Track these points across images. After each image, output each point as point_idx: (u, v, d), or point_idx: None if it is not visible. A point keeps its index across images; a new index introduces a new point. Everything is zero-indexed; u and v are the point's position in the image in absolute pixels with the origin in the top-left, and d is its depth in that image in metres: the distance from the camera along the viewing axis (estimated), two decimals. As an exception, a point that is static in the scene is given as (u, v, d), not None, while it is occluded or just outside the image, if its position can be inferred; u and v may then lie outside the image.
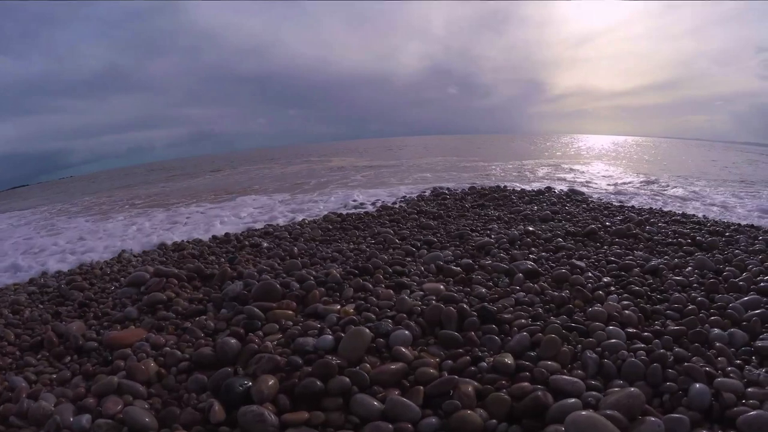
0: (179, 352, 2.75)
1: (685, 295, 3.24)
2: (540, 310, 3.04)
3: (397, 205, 7.55)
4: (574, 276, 3.57)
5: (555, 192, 8.61)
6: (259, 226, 6.95)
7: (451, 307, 2.93)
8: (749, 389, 2.14)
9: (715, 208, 7.69)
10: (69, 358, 2.91)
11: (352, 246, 4.99)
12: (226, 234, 6.25)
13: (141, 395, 2.40)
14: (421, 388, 2.23)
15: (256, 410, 2.08)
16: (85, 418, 2.18)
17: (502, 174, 14.57)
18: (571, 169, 15.91)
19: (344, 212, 7.20)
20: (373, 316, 2.98)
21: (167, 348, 2.82)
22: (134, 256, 5.60)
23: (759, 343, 2.54)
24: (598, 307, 2.98)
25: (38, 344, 3.09)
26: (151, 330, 3.15)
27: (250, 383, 2.28)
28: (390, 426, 2.03)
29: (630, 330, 2.71)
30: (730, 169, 16.58)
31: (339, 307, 3.19)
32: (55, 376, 2.68)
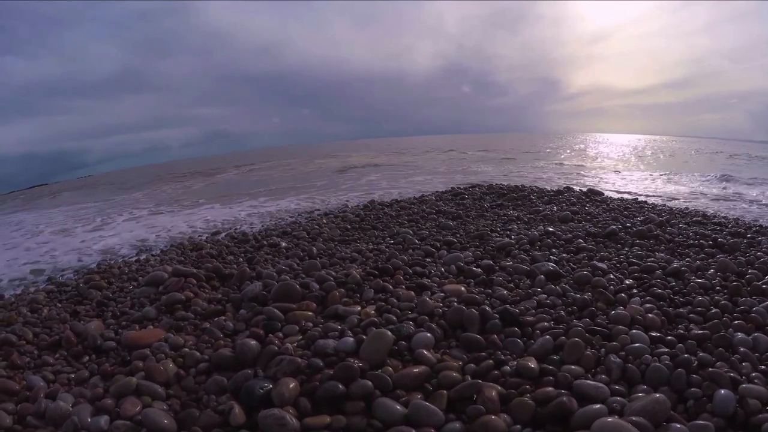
0: (198, 353, 2.73)
1: (707, 298, 3.16)
2: (562, 312, 2.98)
3: (415, 206, 7.48)
4: (596, 278, 3.50)
5: (574, 192, 8.43)
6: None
7: (473, 309, 2.88)
8: (773, 396, 2.08)
9: (737, 208, 7.56)
10: (87, 357, 2.90)
11: (371, 246, 4.96)
12: (244, 233, 6.27)
13: (160, 396, 2.38)
14: (445, 392, 2.19)
15: (277, 413, 2.06)
16: (104, 419, 2.17)
17: (520, 173, 14.46)
18: (590, 169, 15.76)
19: (362, 213, 7.15)
20: (394, 318, 2.94)
21: (186, 348, 2.80)
22: (153, 255, 5.65)
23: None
24: (621, 310, 2.92)
25: (56, 343, 3.08)
26: (170, 330, 3.14)
27: (271, 386, 2.26)
28: (413, 431, 1.99)
29: (653, 334, 2.65)
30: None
31: (359, 308, 3.15)
32: (73, 375, 2.67)
